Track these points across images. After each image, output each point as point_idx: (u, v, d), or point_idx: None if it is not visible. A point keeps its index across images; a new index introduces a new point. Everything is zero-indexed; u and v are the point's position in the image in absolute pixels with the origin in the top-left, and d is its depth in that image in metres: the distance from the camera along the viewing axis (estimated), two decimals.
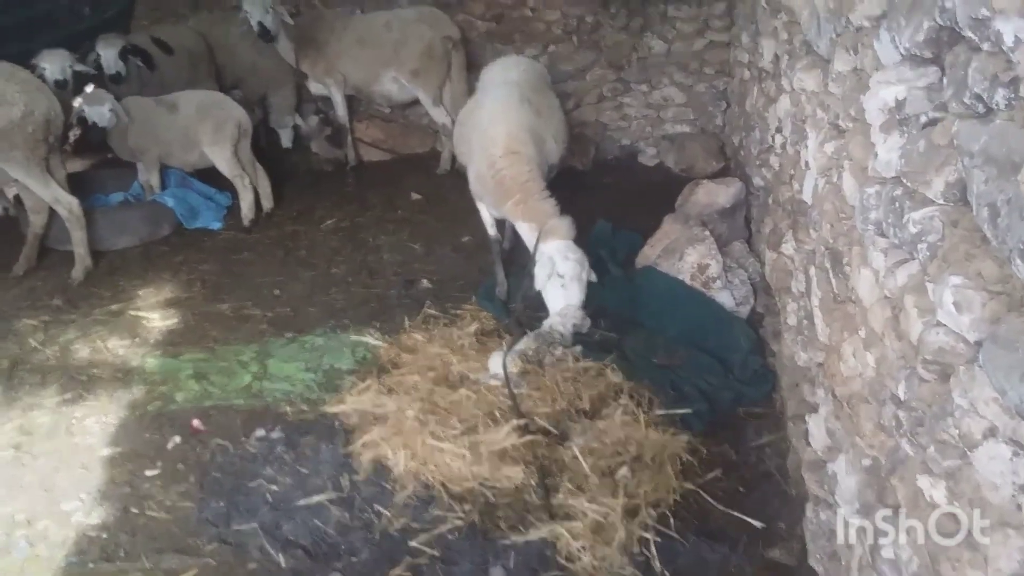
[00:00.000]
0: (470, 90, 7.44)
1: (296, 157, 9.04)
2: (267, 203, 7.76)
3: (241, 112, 7.61)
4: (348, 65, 8.34)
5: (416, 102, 8.58)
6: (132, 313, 6.24)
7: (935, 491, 2.27)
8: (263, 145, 8.63)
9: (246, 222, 7.51)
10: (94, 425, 5.00)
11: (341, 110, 8.64)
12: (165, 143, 7.44)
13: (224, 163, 7.45)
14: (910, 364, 2.46)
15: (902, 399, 2.53)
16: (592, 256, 5.48)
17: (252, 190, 7.57)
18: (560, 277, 5.09)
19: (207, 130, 7.37)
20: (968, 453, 2.06)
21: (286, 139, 9.01)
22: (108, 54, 7.36)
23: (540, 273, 5.16)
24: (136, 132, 7.32)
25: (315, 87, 8.72)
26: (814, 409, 3.88)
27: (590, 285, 5.29)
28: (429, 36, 8.09)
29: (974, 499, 2.07)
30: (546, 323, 5.24)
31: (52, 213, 6.89)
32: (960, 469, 2.16)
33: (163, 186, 7.73)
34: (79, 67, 7.11)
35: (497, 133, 5.46)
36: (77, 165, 7.93)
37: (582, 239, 5.33)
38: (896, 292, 2.61)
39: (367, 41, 8.22)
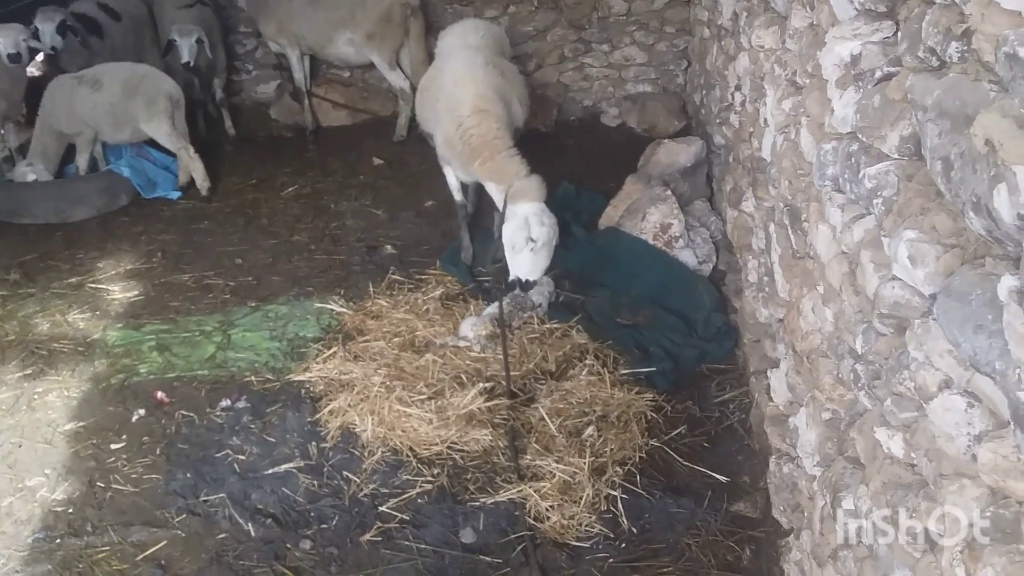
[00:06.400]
0: (429, 56, 7.30)
1: (255, 124, 8.89)
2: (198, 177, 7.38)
3: (171, 84, 7.26)
4: (301, 26, 8.14)
5: (375, 65, 8.45)
6: (92, 285, 6.13)
7: (892, 443, 2.31)
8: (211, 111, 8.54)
9: (203, 191, 7.36)
10: (56, 400, 4.94)
11: (297, 73, 8.46)
12: (93, 122, 7.17)
13: (164, 137, 7.19)
14: (867, 318, 2.49)
15: (860, 353, 2.56)
16: (557, 218, 5.44)
17: (199, 159, 7.31)
18: (533, 242, 5.02)
19: (139, 107, 7.05)
20: (924, 405, 2.09)
21: (186, 53, 7.66)
22: (45, 28, 7.14)
23: (514, 233, 5.00)
24: (65, 115, 7.11)
25: (275, 46, 8.54)
26: (775, 364, 3.93)
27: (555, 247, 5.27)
28: (388, 0, 7.94)
29: (930, 450, 2.11)
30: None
31: None
32: (916, 421, 2.20)
33: (119, 156, 7.57)
34: (33, 43, 6.93)
35: (464, 93, 5.35)
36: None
37: (547, 202, 5.29)
38: (853, 247, 2.64)
39: (321, 1, 8.05)
